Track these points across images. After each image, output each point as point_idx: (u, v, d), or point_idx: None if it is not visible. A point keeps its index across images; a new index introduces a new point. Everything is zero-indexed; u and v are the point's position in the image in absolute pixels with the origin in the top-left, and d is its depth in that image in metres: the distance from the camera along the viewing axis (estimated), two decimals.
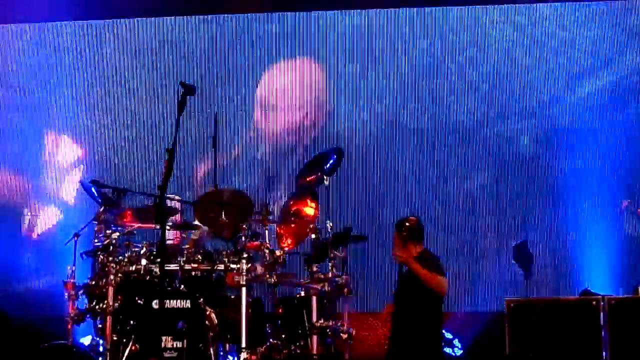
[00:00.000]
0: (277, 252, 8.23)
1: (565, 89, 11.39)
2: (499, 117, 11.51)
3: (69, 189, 11.56)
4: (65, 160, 11.70)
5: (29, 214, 11.71)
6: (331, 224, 8.50)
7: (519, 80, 11.47)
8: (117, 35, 11.79)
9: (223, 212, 8.19)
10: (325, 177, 8.67)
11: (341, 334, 8.31)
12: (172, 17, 11.76)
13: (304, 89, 11.69)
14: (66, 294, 8.22)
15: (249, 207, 8.23)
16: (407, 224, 8.67)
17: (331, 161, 8.88)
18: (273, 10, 11.68)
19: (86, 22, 11.74)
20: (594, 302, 9.07)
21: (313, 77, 11.68)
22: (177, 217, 8.96)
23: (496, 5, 11.59)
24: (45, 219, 11.67)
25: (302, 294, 8.42)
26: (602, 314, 8.97)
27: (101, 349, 8.03)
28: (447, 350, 10.40)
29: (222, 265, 8.01)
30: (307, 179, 8.72)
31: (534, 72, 11.46)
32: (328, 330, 8.24)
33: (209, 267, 8.06)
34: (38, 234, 11.68)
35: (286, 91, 11.69)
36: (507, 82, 11.48)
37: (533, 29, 11.47)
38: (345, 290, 8.53)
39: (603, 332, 8.92)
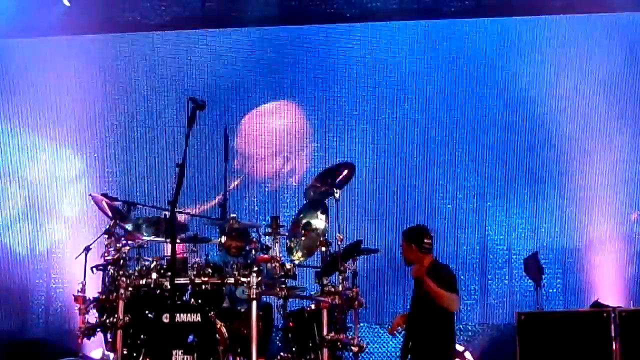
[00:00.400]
0: (288, 265, 8.22)
1: (579, 100, 11.40)
2: (509, 129, 11.51)
3: (73, 203, 11.58)
4: (68, 174, 11.72)
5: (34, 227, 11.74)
6: (341, 237, 8.48)
7: (527, 92, 11.50)
8: (122, 48, 11.83)
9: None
10: (335, 190, 8.67)
11: (352, 347, 8.29)
12: (178, 32, 11.80)
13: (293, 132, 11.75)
14: (76, 307, 8.23)
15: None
16: (410, 231, 8.67)
17: (343, 174, 8.87)
18: (281, 24, 11.74)
19: (91, 36, 11.78)
20: (605, 314, 9.05)
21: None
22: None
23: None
24: (48, 233, 11.68)
25: (313, 307, 8.41)
26: (612, 326, 8.94)
27: None
28: None
29: (232, 279, 8.00)
30: (317, 185, 8.73)
31: (540, 84, 11.48)
32: (338, 344, 8.22)
33: (219, 281, 8.06)
34: (43, 248, 11.70)
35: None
36: (515, 96, 11.50)
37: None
38: (356, 303, 8.52)
39: (614, 344, 8.89)
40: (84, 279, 8.32)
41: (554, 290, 11.15)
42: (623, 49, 11.34)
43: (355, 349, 8.28)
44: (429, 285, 8.17)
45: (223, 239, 8.47)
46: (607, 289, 10.76)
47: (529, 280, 10.72)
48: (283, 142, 11.66)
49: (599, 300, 9.76)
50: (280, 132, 11.67)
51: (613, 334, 8.93)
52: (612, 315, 9.01)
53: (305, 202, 8.98)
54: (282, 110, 11.69)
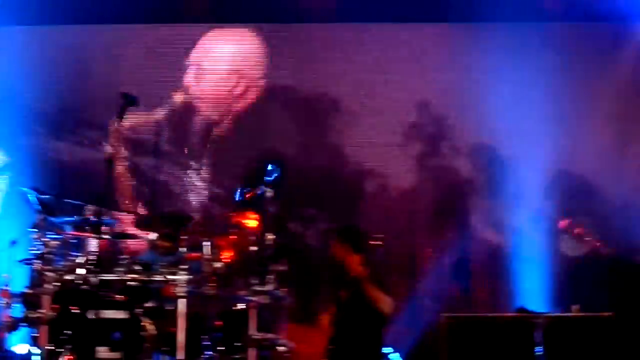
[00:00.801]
0: (217, 264, 8.21)
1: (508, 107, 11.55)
2: (438, 133, 11.62)
3: None
4: None
5: None
6: (272, 237, 8.49)
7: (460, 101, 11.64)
8: (53, 41, 11.70)
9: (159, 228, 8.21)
10: (266, 190, 8.67)
11: (279, 347, 8.32)
12: (113, 25, 11.71)
13: (240, 56, 11.75)
14: (1, 302, 8.12)
15: (185, 223, 8.26)
16: (353, 233, 8.76)
17: (272, 173, 8.87)
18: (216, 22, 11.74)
19: (20, 28, 11.64)
20: (530, 320, 9.17)
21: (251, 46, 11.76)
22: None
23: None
24: None
25: (241, 306, 8.40)
26: (537, 331, 9.06)
27: (38, 358, 7.93)
28: None
29: (160, 277, 7.96)
30: (248, 196, 8.72)
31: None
32: (266, 343, 8.23)
33: (147, 278, 8.01)
34: None
35: (221, 57, 11.72)
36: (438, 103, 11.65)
37: None
38: (284, 302, 8.54)
39: (538, 350, 9.01)
40: (10, 273, 8.22)
41: (482, 294, 11.25)
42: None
43: (282, 348, 8.30)
44: (369, 288, 8.25)
45: (152, 236, 8.43)
46: (533, 295, 10.91)
47: (458, 284, 10.82)
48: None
49: (523, 306, 9.90)
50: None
51: (537, 340, 9.06)
52: (537, 321, 9.13)
53: (236, 201, 8.97)
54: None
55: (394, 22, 11.76)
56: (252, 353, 8.14)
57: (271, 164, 9.06)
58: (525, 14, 11.37)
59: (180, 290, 7.82)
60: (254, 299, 8.28)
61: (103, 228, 7.96)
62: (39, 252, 8.02)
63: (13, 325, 8.02)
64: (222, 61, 11.81)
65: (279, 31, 11.90)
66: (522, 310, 9.76)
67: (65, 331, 7.72)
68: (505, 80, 11.41)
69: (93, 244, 7.89)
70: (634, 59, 11.40)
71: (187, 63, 11.72)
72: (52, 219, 8.39)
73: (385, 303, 8.42)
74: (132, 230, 9.08)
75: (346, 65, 11.83)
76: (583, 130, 11.46)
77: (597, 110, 11.45)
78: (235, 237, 8.56)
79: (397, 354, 10.64)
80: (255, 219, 8.60)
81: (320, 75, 11.83)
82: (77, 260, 7.99)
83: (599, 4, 11.16)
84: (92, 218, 8.18)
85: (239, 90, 11.73)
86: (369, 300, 8.30)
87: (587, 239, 10.40)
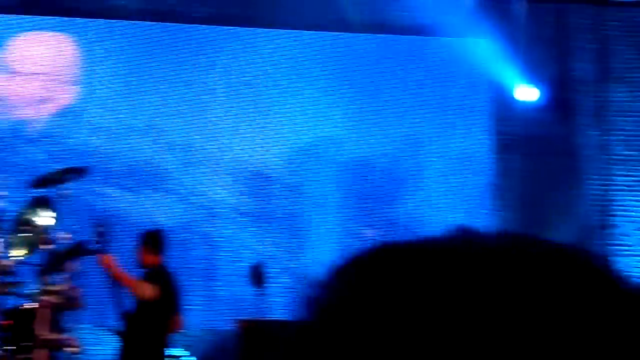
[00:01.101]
0: (5, 262, 8.03)
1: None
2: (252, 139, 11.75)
3: None
4: None
5: None
6: (67, 235, 8.39)
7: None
8: None
9: None
10: (59, 185, 8.60)
11: (70, 348, 8.21)
12: None
13: (52, 60, 11.52)
14: None
15: None
16: (144, 233, 8.94)
17: (70, 176, 8.80)
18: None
19: None
20: None
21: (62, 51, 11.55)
22: None
23: None
24: None
25: (31, 305, 8.23)
26: None
27: None
28: None
29: None
30: (40, 184, 8.62)
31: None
32: (56, 344, 8.11)
33: None
34: None
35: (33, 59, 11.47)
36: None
37: None
38: (77, 303, 8.44)
39: None
40: None
41: (279, 299, 11.40)
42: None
43: (72, 349, 8.20)
44: (114, 274, 8.49)
45: None
46: None
47: (255, 288, 10.93)
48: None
49: None
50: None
51: None
52: None
53: (30, 196, 8.80)
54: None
55: (207, 24, 11.78)
56: (41, 353, 7.98)
57: (72, 166, 9.01)
58: (327, 23, 11.61)
59: None
60: (45, 298, 8.13)
61: None
62: None
63: None
64: (34, 59, 11.48)
65: (94, 28, 11.66)
66: None
67: None
68: (309, 86, 11.67)
69: None
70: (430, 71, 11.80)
71: None
72: None
73: (140, 289, 8.61)
74: None
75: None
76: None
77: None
78: (28, 234, 8.39)
79: (194, 358, 10.64)
80: (49, 216, 8.48)
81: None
82: None
83: (399, 16, 11.51)
84: None
85: (50, 90, 11.45)
86: (130, 291, 8.61)
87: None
